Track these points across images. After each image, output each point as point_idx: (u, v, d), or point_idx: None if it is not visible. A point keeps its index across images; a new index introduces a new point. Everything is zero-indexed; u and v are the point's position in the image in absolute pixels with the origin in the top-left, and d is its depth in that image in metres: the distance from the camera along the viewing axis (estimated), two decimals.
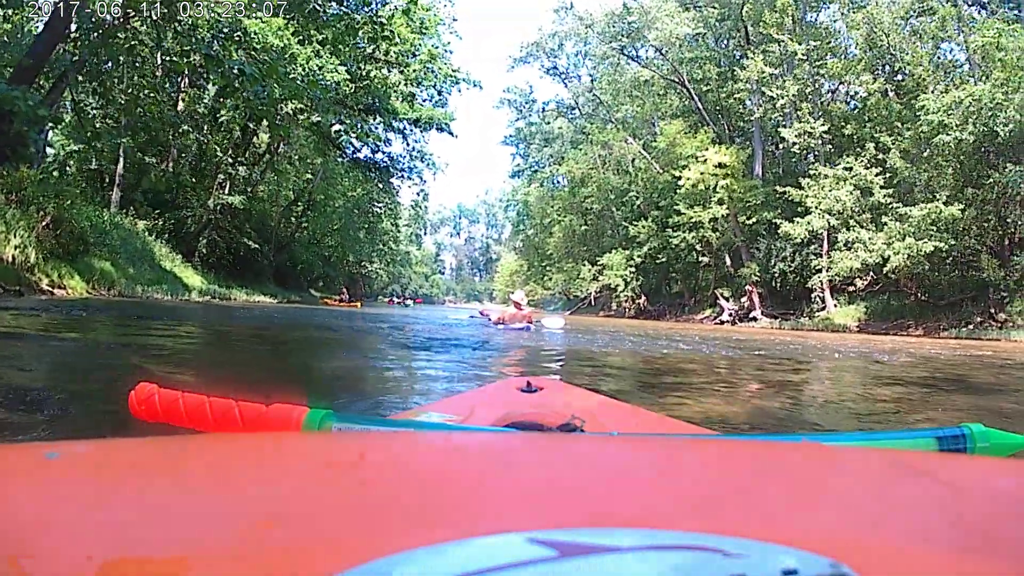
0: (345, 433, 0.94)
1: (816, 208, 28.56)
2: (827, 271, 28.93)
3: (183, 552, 0.37)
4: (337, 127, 34.60)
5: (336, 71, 24.45)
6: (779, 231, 30.91)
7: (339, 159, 39.78)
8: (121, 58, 20.75)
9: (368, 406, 3.64)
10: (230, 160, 29.69)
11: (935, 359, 10.82)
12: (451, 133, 38.96)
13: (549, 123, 60.90)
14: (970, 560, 0.38)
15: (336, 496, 0.46)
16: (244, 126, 30.34)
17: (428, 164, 58.66)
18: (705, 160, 34.06)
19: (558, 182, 57.68)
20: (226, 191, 29.19)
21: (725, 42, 41.68)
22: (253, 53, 20.12)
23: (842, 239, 27.35)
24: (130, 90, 22.21)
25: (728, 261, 36.81)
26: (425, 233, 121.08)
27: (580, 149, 48.89)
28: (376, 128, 47.43)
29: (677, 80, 42.33)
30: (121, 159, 26.45)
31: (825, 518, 0.44)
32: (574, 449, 0.68)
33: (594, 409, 1.66)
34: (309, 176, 42.77)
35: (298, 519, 0.41)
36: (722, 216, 34.53)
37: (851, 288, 29.91)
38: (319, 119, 26.36)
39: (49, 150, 27.78)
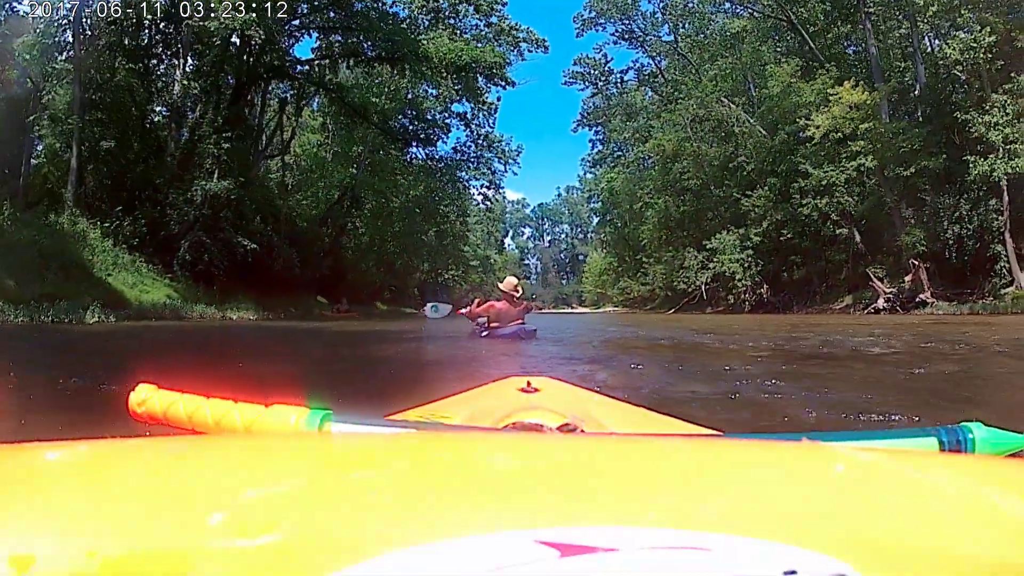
0: (345, 433, 0.93)
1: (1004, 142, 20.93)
2: None
3: (183, 552, 0.37)
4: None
5: None
6: (952, 180, 23.32)
7: (366, 126, 33.35)
8: None
9: None
10: (215, 137, 23.61)
11: None
12: (505, 81, 32.22)
13: (630, 93, 53.58)
14: (970, 560, 0.38)
15: (336, 496, 0.46)
16: (238, 89, 24.51)
17: (496, 154, 52.51)
18: (840, 99, 26.33)
19: (646, 162, 49.99)
20: (215, 178, 23.24)
21: None
22: None
23: None
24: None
25: (857, 235, 28.94)
26: (508, 237, 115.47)
27: (671, 112, 41.29)
28: (434, 114, 41.53)
29: (784, 20, 34.97)
30: (75, 146, 21.05)
31: (825, 518, 0.43)
32: (574, 449, 0.69)
33: (594, 409, 1.64)
34: (353, 170, 36.93)
35: (298, 519, 0.41)
36: (866, 171, 26.66)
37: None
38: None
39: None
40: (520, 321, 10.50)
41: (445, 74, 29.83)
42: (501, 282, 11.13)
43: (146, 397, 1.02)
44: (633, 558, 0.33)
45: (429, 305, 12.50)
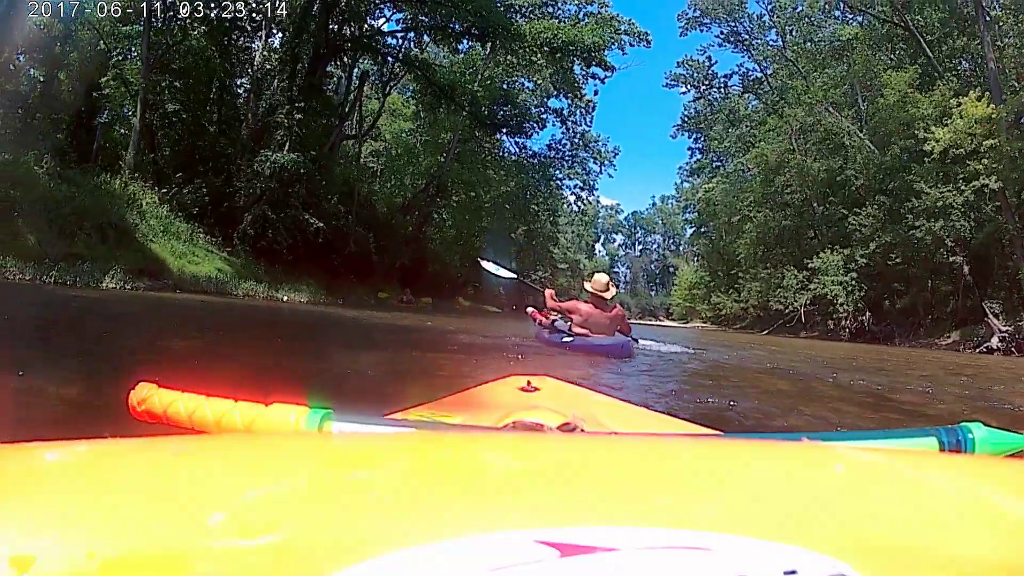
0: (345, 433, 0.94)
1: None
2: None
3: (183, 552, 0.38)
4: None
5: None
6: None
7: (457, 114, 32.64)
8: None
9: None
10: (287, 108, 23.15)
11: None
12: (604, 65, 31.12)
13: (733, 99, 51.46)
14: (970, 560, 0.38)
15: (336, 496, 0.47)
16: (316, 59, 24.15)
17: (592, 154, 51.26)
18: (963, 111, 24.17)
19: (747, 173, 47.76)
20: (285, 150, 22.65)
21: None
22: None
23: None
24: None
25: (966, 265, 26.44)
26: (600, 243, 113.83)
27: (778, 118, 39.24)
28: (529, 107, 40.79)
29: (901, 25, 32.73)
30: (139, 107, 21.23)
31: (825, 518, 0.44)
32: (574, 449, 0.69)
33: (594, 409, 1.65)
34: (441, 159, 36.45)
35: (298, 519, 0.41)
36: (988, 193, 24.35)
37: None
38: None
39: None
40: (622, 327, 8.04)
41: (539, 55, 28.81)
42: (588, 280, 8.18)
43: (146, 396, 1.02)
44: (633, 558, 0.33)
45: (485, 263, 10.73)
